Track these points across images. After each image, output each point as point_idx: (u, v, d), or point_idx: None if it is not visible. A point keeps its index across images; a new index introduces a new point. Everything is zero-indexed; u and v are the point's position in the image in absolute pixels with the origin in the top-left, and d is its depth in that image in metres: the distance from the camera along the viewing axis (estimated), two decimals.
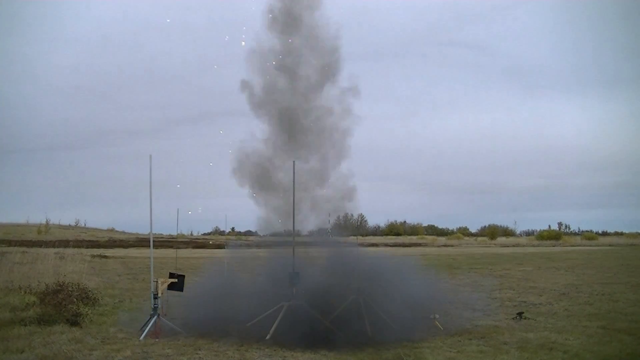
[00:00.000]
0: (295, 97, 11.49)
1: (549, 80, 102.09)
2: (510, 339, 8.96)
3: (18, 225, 70.59)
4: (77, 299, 11.54)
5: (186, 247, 53.88)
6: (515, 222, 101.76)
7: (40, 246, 29.96)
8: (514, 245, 69.21)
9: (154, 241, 10.04)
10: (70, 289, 12.16)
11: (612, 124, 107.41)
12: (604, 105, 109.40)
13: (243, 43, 11.26)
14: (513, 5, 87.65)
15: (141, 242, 59.46)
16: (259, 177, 11.61)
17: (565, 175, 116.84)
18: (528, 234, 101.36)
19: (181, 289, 10.38)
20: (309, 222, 12.03)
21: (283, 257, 10.88)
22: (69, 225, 79.76)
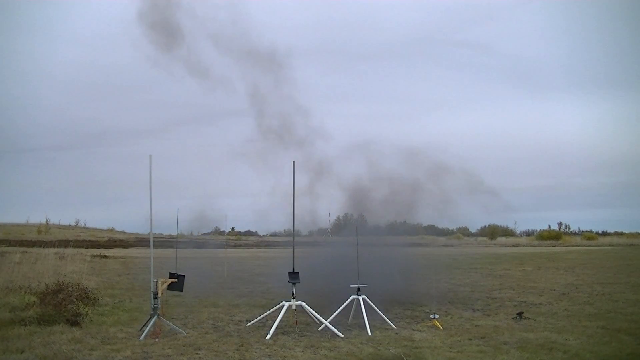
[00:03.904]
0: None
1: (550, 81, 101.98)
2: (510, 339, 8.95)
3: (18, 225, 70.65)
4: (77, 299, 11.53)
5: (186, 247, 53.85)
6: (515, 222, 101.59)
7: (40, 246, 29.94)
8: (514, 245, 69.24)
9: (154, 241, 10.03)
10: (70, 289, 12.14)
11: (613, 124, 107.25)
12: (605, 106, 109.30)
13: None
14: (516, 5, 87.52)
15: (141, 242, 59.50)
16: None
17: (566, 175, 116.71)
18: (528, 234, 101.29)
19: (181, 289, 10.38)
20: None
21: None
22: (69, 225, 79.85)
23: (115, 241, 63.36)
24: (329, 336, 9.25)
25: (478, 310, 12.39)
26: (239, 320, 10.98)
